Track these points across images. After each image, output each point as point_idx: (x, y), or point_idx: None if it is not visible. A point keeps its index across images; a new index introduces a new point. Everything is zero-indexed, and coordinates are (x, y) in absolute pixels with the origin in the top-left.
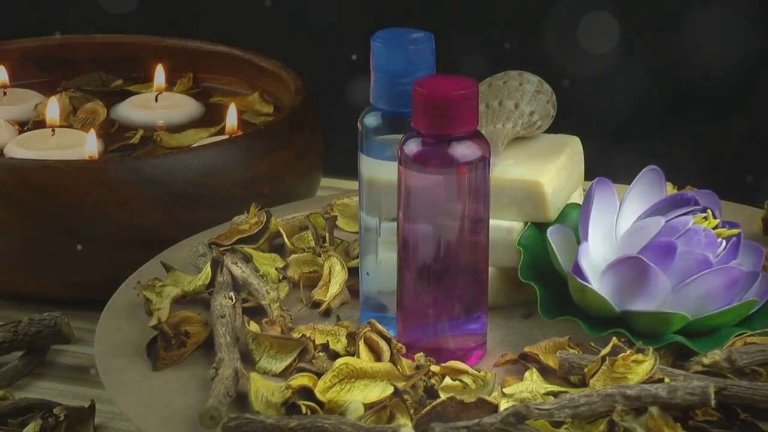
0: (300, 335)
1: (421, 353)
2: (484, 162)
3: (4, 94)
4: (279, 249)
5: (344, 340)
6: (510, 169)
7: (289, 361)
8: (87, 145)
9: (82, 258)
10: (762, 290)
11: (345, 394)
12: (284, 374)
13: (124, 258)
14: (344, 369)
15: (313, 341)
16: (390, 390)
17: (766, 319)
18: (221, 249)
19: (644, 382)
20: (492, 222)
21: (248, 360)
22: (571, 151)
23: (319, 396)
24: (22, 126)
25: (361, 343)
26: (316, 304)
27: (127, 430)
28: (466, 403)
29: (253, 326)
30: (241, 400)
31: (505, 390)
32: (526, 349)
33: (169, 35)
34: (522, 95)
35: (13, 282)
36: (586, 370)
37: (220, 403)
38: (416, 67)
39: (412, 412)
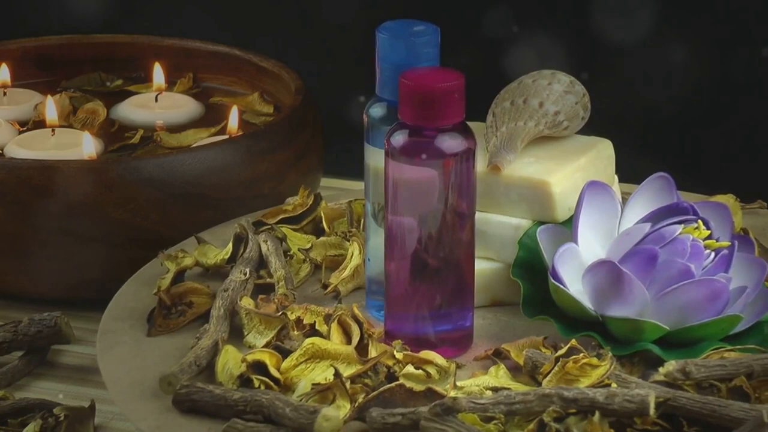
0: (280, 313)
1: (399, 341)
2: (469, 154)
3: (4, 94)
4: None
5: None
6: (524, 167)
7: (269, 337)
8: (84, 147)
9: (82, 258)
10: (758, 307)
11: (308, 373)
12: (274, 347)
13: (124, 258)
14: (310, 348)
15: (301, 321)
16: (348, 371)
17: (759, 336)
18: (263, 227)
19: (591, 386)
20: (500, 218)
21: (242, 334)
22: (596, 154)
23: (273, 372)
24: (22, 126)
25: (334, 325)
26: (328, 287)
27: (127, 430)
28: (415, 391)
29: (246, 301)
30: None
31: (459, 383)
32: (503, 346)
33: (169, 35)
34: (548, 95)
35: (13, 282)
36: (542, 369)
37: (182, 371)
38: (420, 58)
39: (364, 395)
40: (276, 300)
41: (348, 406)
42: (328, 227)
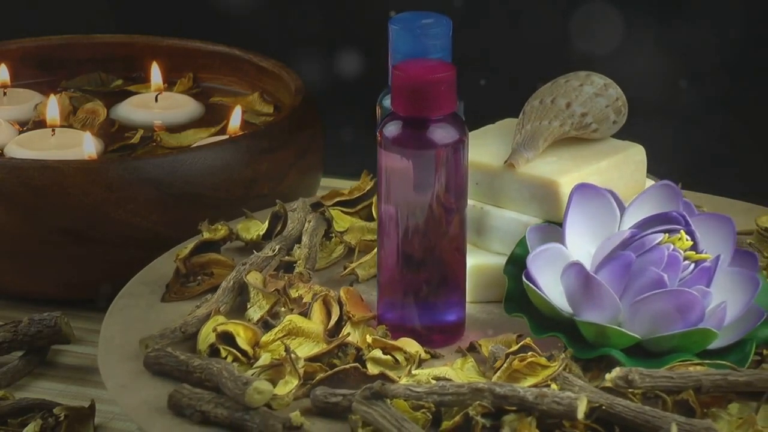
0: (273, 289)
1: (383, 326)
2: (459, 146)
3: (4, 94)
4: None
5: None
6: (540, 165)
7: (264, 311)
8: (84, 147)
9: (82, 258)
10: (747, 323)
11: (283, 348)
12: (258, 323)
13: (124, 258)
14: (287, 325)
15: (301, 299)
16: (316, 350)
17: (740, 354)
18: (320, 208)
19: (534, 386)
20: (513, 215)
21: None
22: (622, 159)
23: (240, 344)
24: (22, 126)
25: (317, 305)
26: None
27: (128, 430)
28: (369, 375)
29: (252, 276)
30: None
31: (414, 371)
32: (479, 341)
33: (168, 35)
34: (577, 96)
35: (13, 282)
36: (496, 364)
37: (162, 336)
38: (431, 49)
39: (322, 375)
40: (286, 277)
41: (295, 382)
42: (376, 214)
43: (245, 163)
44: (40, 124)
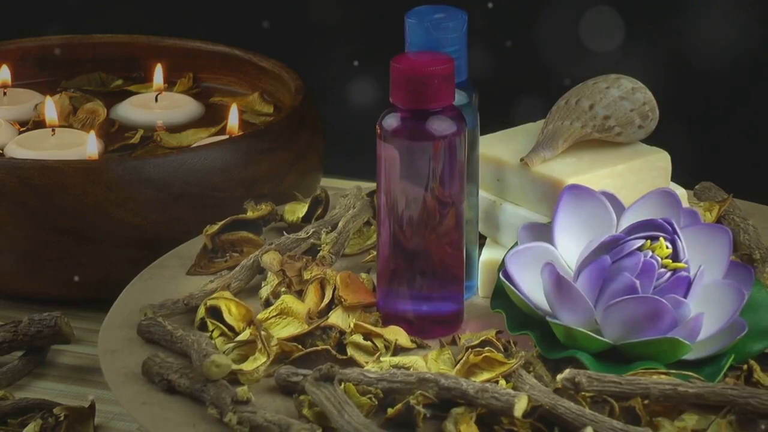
0: (278, 270)
1: (376, 313)
2: (456, 138)
3: (4, 94)
4: None
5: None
6: (554, 165)
7: (271, 290)
8: (87, 147)
9: (82, 258)
10: (730, 336)
11: (275, 326)
12: (263, 302)
13: (124, 258)
14: (280, 305)
15: (306, 279)
16: (298, 330)
17: (715, 367)
18: (370, 196)
19: (487, 381)
20: (526, 213)
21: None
22: (642, 164)
23: (227, 318)
24: (22, 126)
25: (311, 287)
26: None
27: (127, 430)
28: (338, 358)
29: (268, 256)
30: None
31: (383, 358)
32: (461, 334)
33: (168, 35)
34: (601, 98)
35: (13, 282)
36: (458, 357)
37: (162, 306)
38: (444, 43)
39: (296, 354)
40: (303, 260)
41: (263, 359)
42: None
43: (245, 163)
44: (40, 124)
